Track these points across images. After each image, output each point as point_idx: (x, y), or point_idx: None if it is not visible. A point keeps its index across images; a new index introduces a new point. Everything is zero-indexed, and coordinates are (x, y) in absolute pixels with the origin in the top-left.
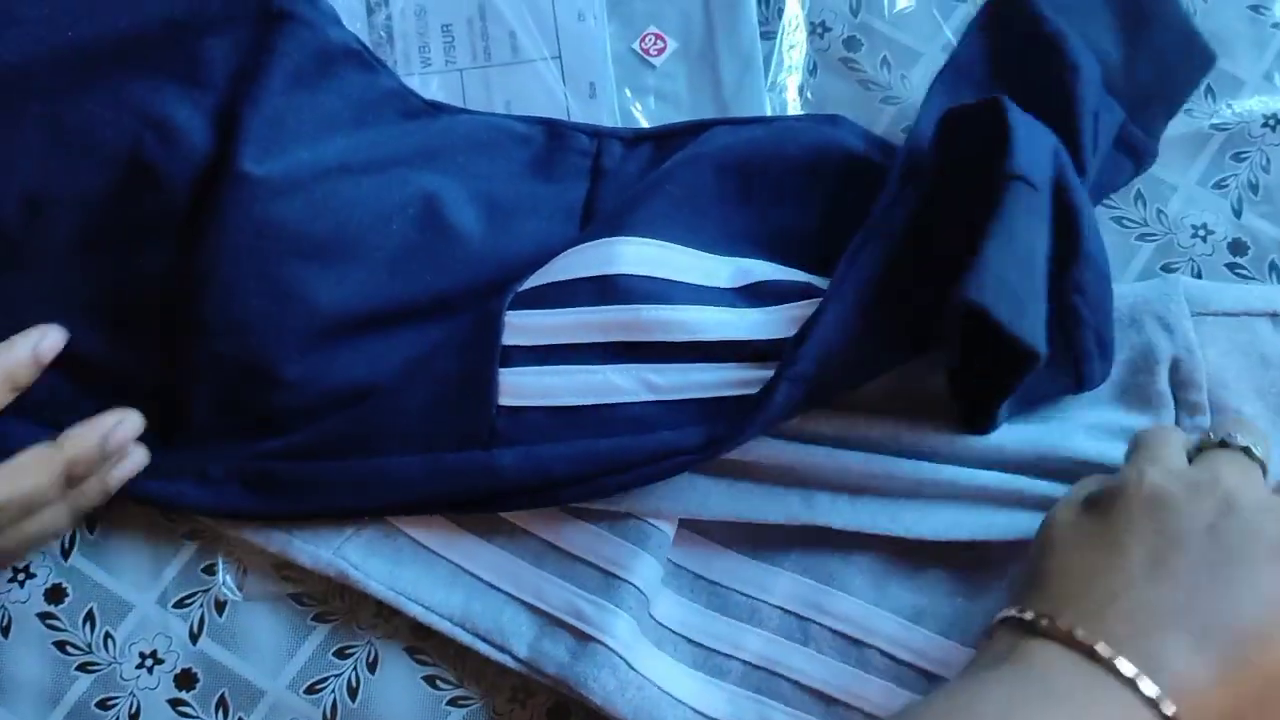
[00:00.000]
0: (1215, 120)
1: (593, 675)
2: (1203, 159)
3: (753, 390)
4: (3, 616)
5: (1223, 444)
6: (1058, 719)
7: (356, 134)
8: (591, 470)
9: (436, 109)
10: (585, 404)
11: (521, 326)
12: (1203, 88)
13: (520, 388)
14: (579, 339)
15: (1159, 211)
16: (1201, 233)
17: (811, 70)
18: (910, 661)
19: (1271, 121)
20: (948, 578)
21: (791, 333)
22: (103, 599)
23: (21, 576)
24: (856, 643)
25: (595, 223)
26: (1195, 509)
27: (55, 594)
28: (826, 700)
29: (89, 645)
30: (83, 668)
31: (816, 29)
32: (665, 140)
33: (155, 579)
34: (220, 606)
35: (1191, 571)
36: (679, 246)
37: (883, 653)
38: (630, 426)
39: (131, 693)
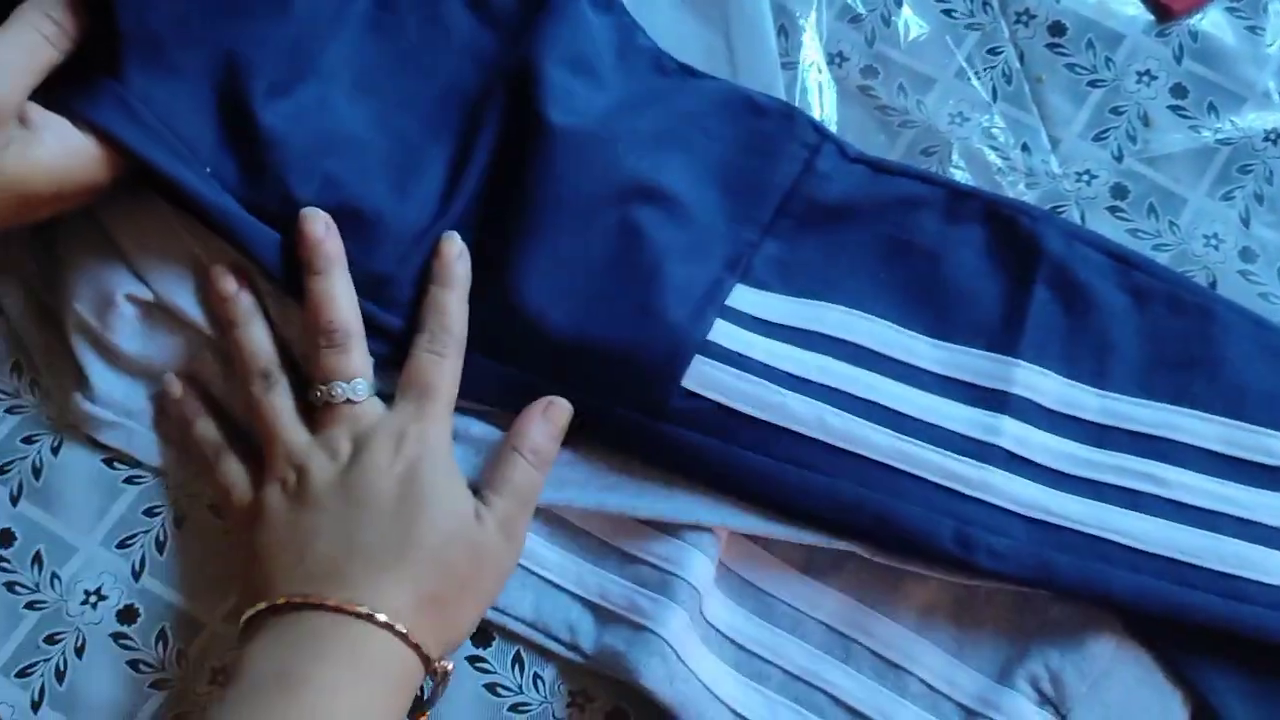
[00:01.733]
0: (1220, 135)
1: (645, 662)
2: (1210, 172)
3: (909, 469)
4: (78, 638)
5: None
6: (338, 668)
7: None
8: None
9: (688, 72)
10: (758, 417)
11: (726, 332)
12: (1206, 104)
13: (707, 379)
14: (777, 364)
15: (1171, 223)
16: (1213, 242)
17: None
18: (947, 693)
19: (1273, 135)
20: (993, 618)
21: (982, 436)
22: (175, 618)
23: (94, 599)
24: (896, 667)
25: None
26: (330, 475)
27: (127, 614)
28: (860, 719)
29: (161, 663)
30: (156, 685)
31: (834, 59)
32: (880, 171)
33: (225, 597)
34: None
35: (374, 524)
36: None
37: (921, 680)
38: (790, 459)
39: (205, 706)
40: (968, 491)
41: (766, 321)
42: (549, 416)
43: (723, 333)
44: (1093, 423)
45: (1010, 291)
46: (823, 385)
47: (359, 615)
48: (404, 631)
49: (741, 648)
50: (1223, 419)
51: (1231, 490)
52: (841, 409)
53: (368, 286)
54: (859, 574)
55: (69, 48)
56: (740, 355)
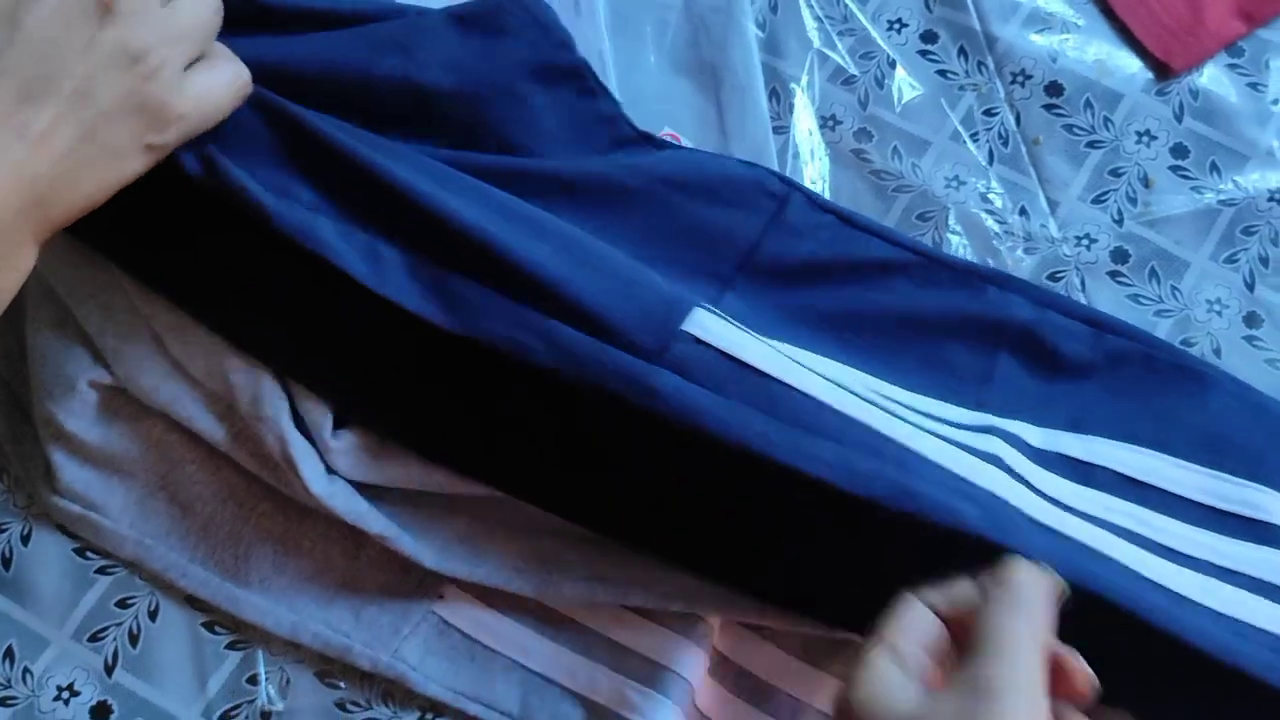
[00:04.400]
0: (1222, 196)
1: None
2: (1214, 234)
3: (920, 450)
4: None
5: None
6: None
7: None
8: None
9: (647, 139)
10: (766, 371)
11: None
12: (1208, 164)
13: (711, 327)
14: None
15: (1173, 288)
16: (1216, 307)
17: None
18: None
19: (1277, 196)
20: None
21: (982, 447)
22: (150, 714)
23: (66, 695)
24: None
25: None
26: None
27: (101, 711)
28: None
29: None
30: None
31: (827, 122)
32: (848, 224)
33: (199, 692)
34: (266, 717)
35: None
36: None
37: None
38: (792, 417)
39: None
40: (980, 483)
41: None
42: None
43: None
44: (1078, 460)
45: (977, 357)
46: (819, 377)
47: None
48: None
49: None
50: (1204, 469)
51: (1214, 541)
52: (846, 391)
53: None
54: (858, 659)
55: None
56: (740, 321)
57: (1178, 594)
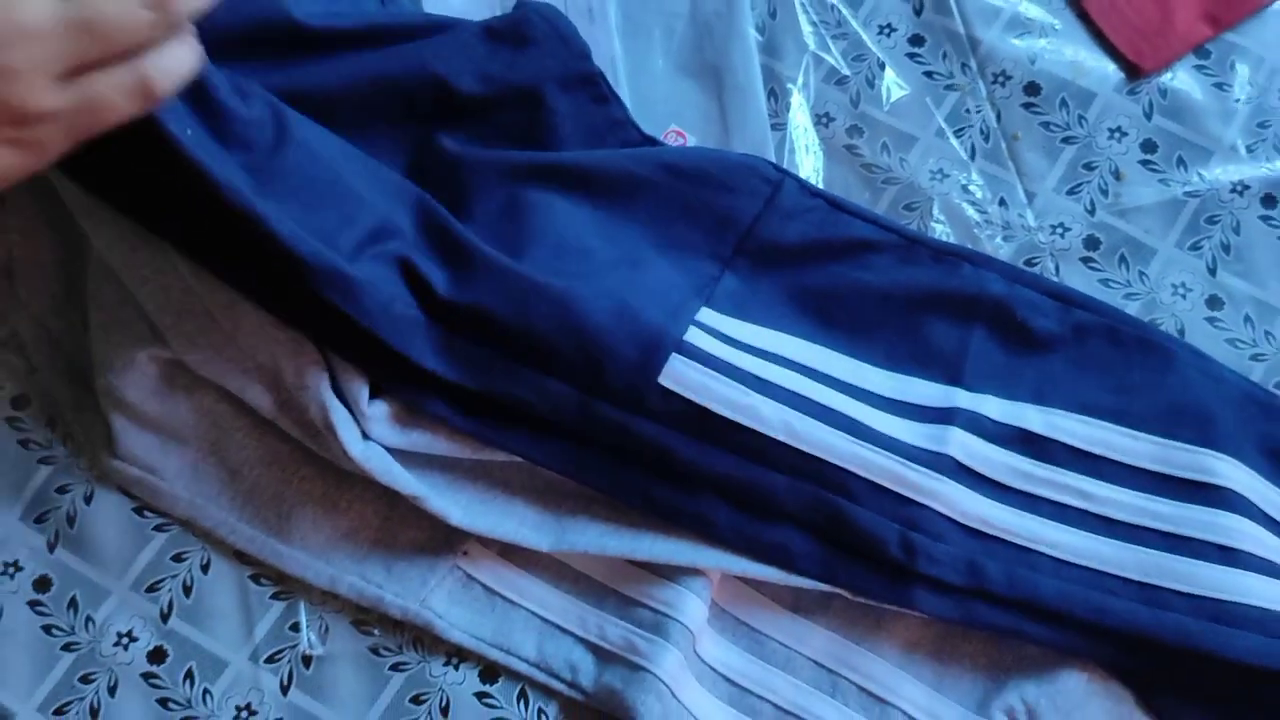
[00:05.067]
0: (1188, 188)
1: (641, 700)
2: (1179, 223)
3: (864, 473)
4: (110, 678)
5: None
6: None
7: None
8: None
9: (651, 142)
10: (729, 418)
11: (699, 337)
12: (1175, 158)
13: (683, 378)
14: (747, 367)
15: (1141, 273)
16: (1181, 291)
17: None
18: None
19: (1239, 188)
20: (971, 653)
21: (932, 447)
22: (202, 658)
23: (125, 641)
24: (881, 701)
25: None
26: None
27: (157, 655)
28: None
29: (188, 700)
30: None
31: (821, 120)
32: (836, 208)
33: (247, 637)
34: (307, 661)
35: None
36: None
37: (905, 713)
38: (757, 458)
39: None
40: (916, 498)
41: (733, 338)
42: None
43: (696, 338)
44: (1036, 434)
45: (952, 330)
46: (789, 390)
47: None
48: None
49: (734, 684)
50: (1156, 438)
51: (1158, 505)
52: (805, 414)
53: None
54: (844, 612)
55: None
56: (713, 356)
57: (1096, 570)
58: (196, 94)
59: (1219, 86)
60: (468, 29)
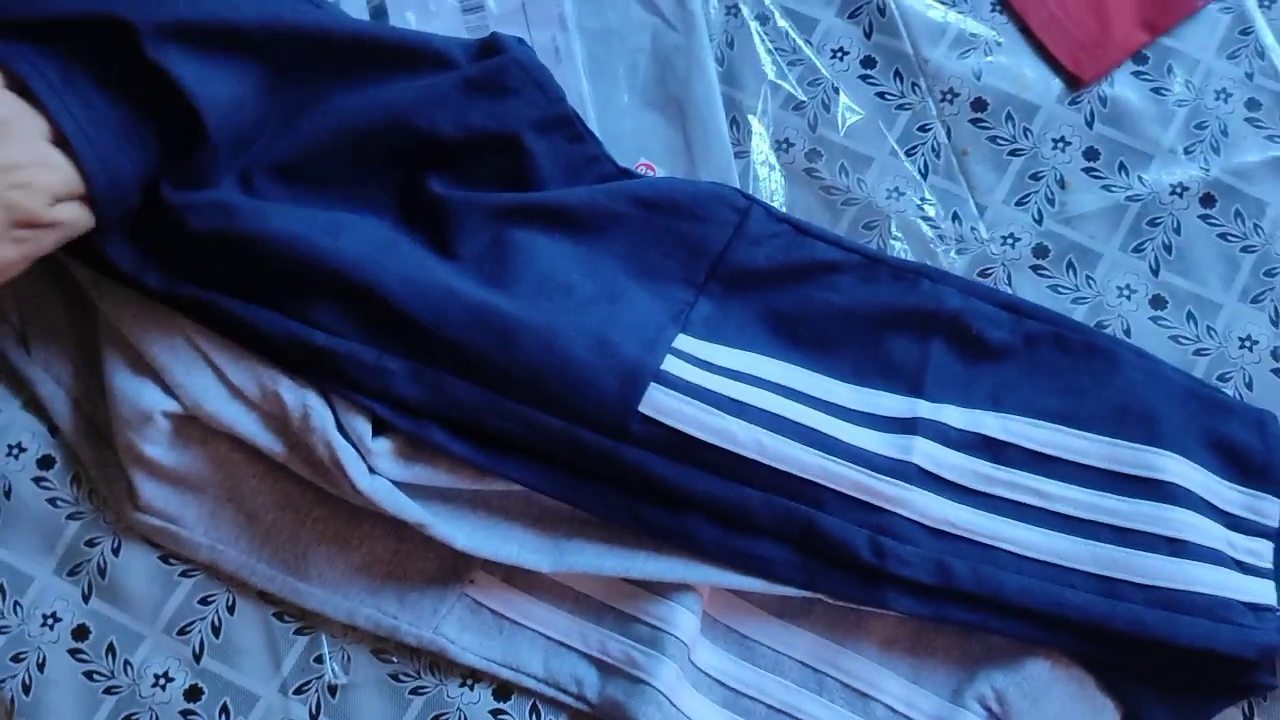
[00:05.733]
0: (1130, 193)
1: (643, 711)
2: (1123, 227)
3: (833, 485)
4: (151, 717)
5: None
6: None
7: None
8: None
9: (625, 174)
10: (705, 440)
11: (675, 366)
12: (1117, 164)
13: (661, 406)
14: (721, 390)
15: (1088, 278)
16: (1126, 293)
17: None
18: (908, 715)
19: (1179, 189)
20: (944, 647)
21: (898, 455)
22: (235, 694)
23: (163, 681)
24: (864, 695)
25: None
26: None
27: (193, 693)
28: None
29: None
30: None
31: (781, 145)
32: (801, 233)
33: (275, 672)
34: (333, 690)
35: None
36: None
37: (886, 706)
38: (733, 476)
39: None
40: (883, 505)
41: (708, 362)
42: None
43: (673, 366)
44: (994, 439)
45: (913, 344)
46: (761, 410)
47: None
48: None
49: (728, 687)
50: (1105, 438)
51: (1109, 502)
52: (776, 432)
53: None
54: (826, 616)
55: None
56: (689, 383)
57: (1055, 565)
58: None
59: (1157, 91)
60: (447, 80)
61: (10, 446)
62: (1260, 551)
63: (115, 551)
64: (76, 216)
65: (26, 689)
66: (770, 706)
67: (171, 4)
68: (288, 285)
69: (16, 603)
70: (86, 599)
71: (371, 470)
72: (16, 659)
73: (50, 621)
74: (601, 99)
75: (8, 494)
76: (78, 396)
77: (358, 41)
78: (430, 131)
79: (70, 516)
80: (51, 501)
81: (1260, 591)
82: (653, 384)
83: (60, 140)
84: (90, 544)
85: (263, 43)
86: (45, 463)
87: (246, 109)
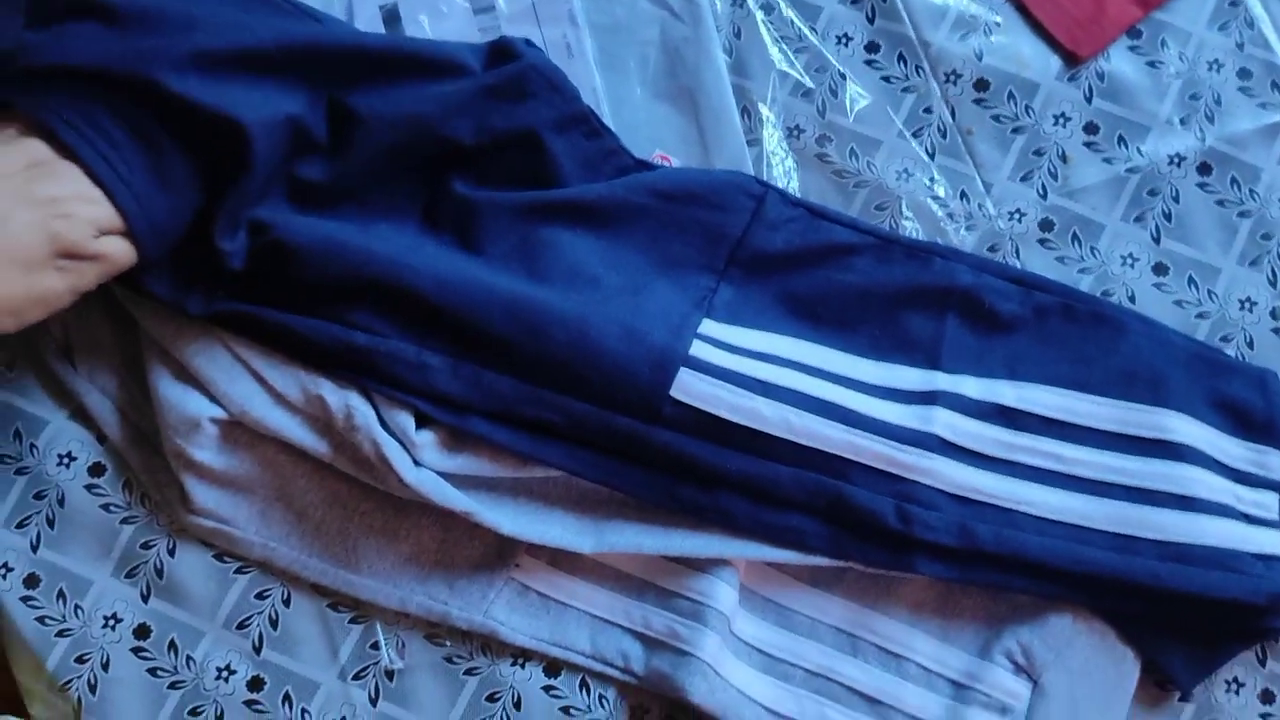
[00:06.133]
0: (1129, 165)
1: (689, 681)
2: (1124, 198)
3: (858, 458)
4: (216, 709)
5: None
6: None
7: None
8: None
9: (643, 165)
10: (735, 421)
11: (702, 350)
12: (1116, 137)
13: (691, 389)
14: (748, 372)
15: (1092, 248)
16: (1129, 261)
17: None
18: (940, 672)
19: (1176, 159)
20: (970, 607)
21: (920, 427)
22: (296, 682)
23: (225, 674)
24: (896, 656)
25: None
26: None
27: (255, 684)
28: (872, 702)
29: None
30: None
31: (792, 132)
32: (817, 216)
33: (333, 660)
34: (390, 675)
35: None
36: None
37: (918, 664)
38: (763, 454)
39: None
40: (907, 475)
41: (733, 345)
42: None
43: (700, 350)
44: (1010, 408)
45: (928, 320)
46: (786, 389)
47: None
48: None
49: (767, 654)
50: (1115, 402)
51: (1121, 462)
52: (802, 409)
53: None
54: (857, 583)
55: None
56: (716, 366)
57: (1074, 525)
58: None
59: (1151, 65)
60: (467, 90)
61: (60, 456)
62: (1266, 504)
63: (171, 552)
64: (120, 250)
65: (93, 688)
66: (808, 670)
67: (188, 37)
68: (324, 293)
69: (77, 606)
70: (145, 599)
71: (417, 463)
72: (80, 660)
73: (111, 622)
74: (614, 93)
75: (61, 502)
76: (123, 406)
77: (372, 55)
78: (454, 139)
79: (124, 521)
80: (105, 507)
81: (1268, 541)
82: (682, 368)
83: (97, 182)
84: (146, 546)
85: (281, 62)
86: (96, 470)
87: (278, 129)
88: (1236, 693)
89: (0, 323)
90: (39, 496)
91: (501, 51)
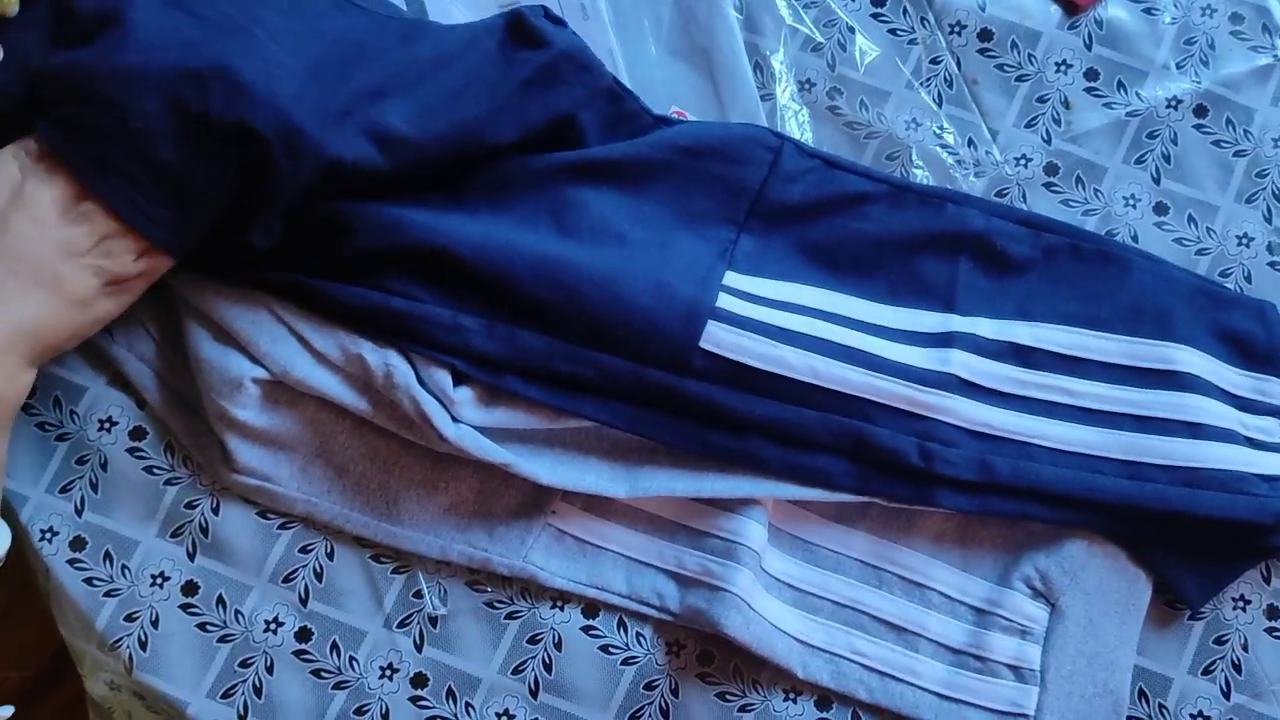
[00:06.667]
0: (1129, 109)
1: (725, 615)
2: (1125, 142)
3: (881, 399)
4: (266, 659)
5: None
6: None
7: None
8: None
9: (664, 121)
10: (762, 369)
11: (728, 302)
12: (1115, 82)
13: (719, 340)
14: (773, 321)
15: (1096, 191)
16: (1131, 202)
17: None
18: (961, 600)
19: (1173, 102)
20: (989, 537)
21: (938, 367)
22: (343, 632)
23: (274, 626)
24: (919, 585)
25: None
26: None
27: (303, 634)
28: (898, 630)
29: (338, 668)
30: (337, 686)
31: (804, 86)
32: (832, 166)
33: (378, 609)
34: (434, 621)
35: None
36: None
37: (940, 593)
38: (790, 400)
39: (379, 698)
40: (927, 414)
41: (756, 295)
42: None
43: (725, 302)
44: (1023, 346)
45: (942, 264)
46: (810, 336)
47: None
48: None
49: (796, 589)
50: (1123, 337)
51: (1131, 394)
52: (826, 355)
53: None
54: (880, 517)
55: None
56: (742, 317)
57: (1086, 454)
58: None
59: (1148, 11)
60: (505, 88)
61: (101, 421)
62: (1270, 429)
63: (215, 511)
64: (160, 263)
65: (143, 645)
66: (835, 602)
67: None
68: (360, 260)
69: (124, 566)
70: (192, 557)
71: (455, 419)
72: (129, 619)
73: (159, 581)
74: (630, 52)
75: (104, 466)
76: (161, 372)
77: (399, 64)
78: (499, 144)
79: (168, 482)
80: (148, 470)
81: (1272, 464)
82: (710, 321)
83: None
84: (190, 506)
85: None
86: (137, 434)
87: None
88: (1244, 609)
89: (65, 346)
90: (81, 461)
91: (518, 23)
